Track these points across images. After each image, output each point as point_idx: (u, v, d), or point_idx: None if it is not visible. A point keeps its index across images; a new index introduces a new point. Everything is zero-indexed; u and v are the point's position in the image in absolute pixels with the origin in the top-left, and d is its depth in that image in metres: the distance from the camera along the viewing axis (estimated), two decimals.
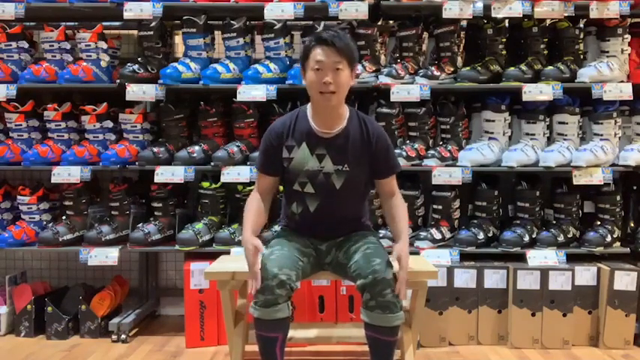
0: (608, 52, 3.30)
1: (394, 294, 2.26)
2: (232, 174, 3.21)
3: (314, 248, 2.52)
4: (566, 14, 3.20)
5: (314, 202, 2.46)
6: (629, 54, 3.32)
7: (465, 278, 3.15)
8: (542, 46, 3.34)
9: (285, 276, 2.25)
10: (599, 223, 3.31)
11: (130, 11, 3.21)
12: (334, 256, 2.52)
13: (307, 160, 2.41)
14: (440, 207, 3.32)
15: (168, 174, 3.22)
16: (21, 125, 3.41)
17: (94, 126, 3.37)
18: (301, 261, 2.40)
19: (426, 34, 3.42)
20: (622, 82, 3.24)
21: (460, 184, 3.22)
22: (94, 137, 3.39)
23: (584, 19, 3.32)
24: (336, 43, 2.28)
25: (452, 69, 3.31)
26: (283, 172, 2.48)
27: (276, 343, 2.30)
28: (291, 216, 2.54)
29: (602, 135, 3.26)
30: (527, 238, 3.24)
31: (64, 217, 3.37)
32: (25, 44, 3.43)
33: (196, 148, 3.30)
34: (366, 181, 2.51)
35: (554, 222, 3.33)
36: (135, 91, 3.23)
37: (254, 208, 2.44)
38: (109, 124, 3.40)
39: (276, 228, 3.01)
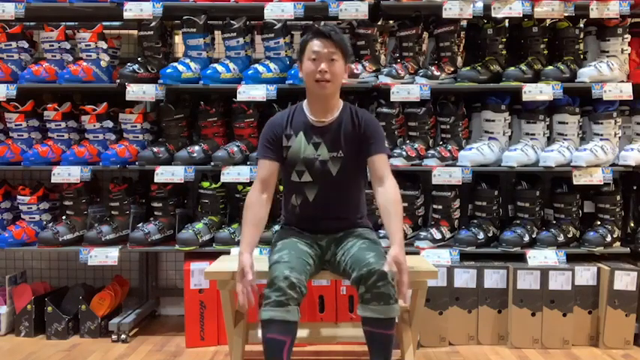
0: (608, 52, 3.30)
1: (389, 285, 2.26)
2: (232, 174, 3.22)
3: (317, 245, 2.54)
4: (566, 14, 3.20)
5: (312, 191, 2.52)
6: (629, 54, 3.33)
7: (465, 278, 3.15)
8: (542, 46, 3.34)
9: (296, 279, 2.27)
10: (599, 223, 3.31)
11: (130, 11, 3.21)
12: (333, 252, 2.53)
13: (304, 149, 2.50)
14: (440, 207, 3.32)
15: (168, 174, 3.22)
16: (21, 125, 3.41)
17: (94, 126, 3.37)
18: (309, 264, 2.43)
19: (426, 34, 3.42)
20: (622, 82, 3.24)
21: (460, 184, 3.22)
22: (94, 137, 3.39)
23: (584, 19, 3.32)
24: (332, 35, 2.41)
25: (452, 69, 3.31)
26: (282, 162, 2.53)
27: (284, 347, 2.26)
28: (292, 209, 2.59)
29: (602, 135, 3.27)
30: (527, 238, 3.24)
31: (64, 217, 3.37)
32: (25, 44, 3.43)
33: (196, 148, 3.30)
34: (361, 167, 2.57)
35: (554, 222, 3.33)
36: (135, 91, 3.23)
37: (253, 218, 2.46)
38: (109, 124, 3.40)
39: (277, 228, 3.00)
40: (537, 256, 3.15)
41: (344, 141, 2.50)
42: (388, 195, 2.44)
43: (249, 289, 2.31)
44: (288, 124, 2.53)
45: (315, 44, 2.41)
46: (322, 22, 3.28)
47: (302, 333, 2.87)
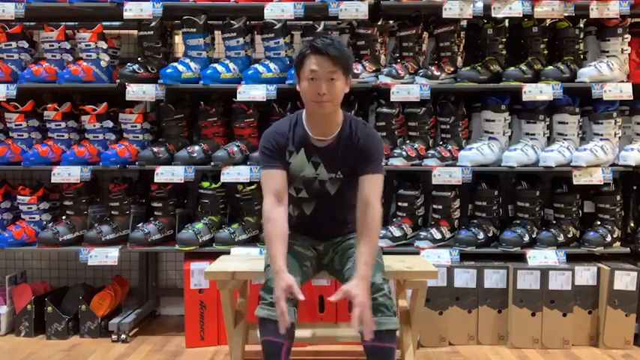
0: (608, 52, 3.30)
1: (386, 297, 2.23)
2: (232, 174, 3.21)
3: (314, 249, 2.52)
4: (566, 14, 3.20)
5: (309, 206, 2.47)
6: (629, 54, 3.33)
7: (465, 278, 3.15)
8: (542, 46, 3.34)
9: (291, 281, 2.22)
10: (599, 223, 3.31)
11: (130, 11, 3.21)
12: (331, 257, 2.51)
13: (304, 167, 2.40)
14: (440, 207, 3.32)
15: (168, 174, 3.22)
16: (21, 125, 3.41)
17: (94, 126, 3.37)
18: (305, 266, 2.41)
19: (426, 34, 3.42)
20: (622, 82, 3.24)
21: (460, 184, 3.22)
22: (94, 137, 3.39)
23: (584, 19, 3.32)
24: (330, 52, 2.23)
25: (452, 69, 3.31)
26: None
27: (282, 349, 2.22)
28: (289, 218, 2.49)
29: (602, 135, 3.26)
30: (527, 238, 3.23)
31: (64, 217, 3.37)
32: (25, 44, 3.43)
33: (196, 148, 3.30)
34: None
35: (554, 222, 3.33)
36: (135, 91, 3.23)
37: (278, 232, 2.28)
38: (109, 124, 3.40)
39: None
40: (537, 256, 3.15)
41: (343, 161, 2.38)
42: (370, 220, 2.28)
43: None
44: (291, 140, 2.39)
45: (313, 62, 2.24)
46: (322, 23, 3.28)
47: (302, 333, 2.87)
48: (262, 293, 2.26)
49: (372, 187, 2.33)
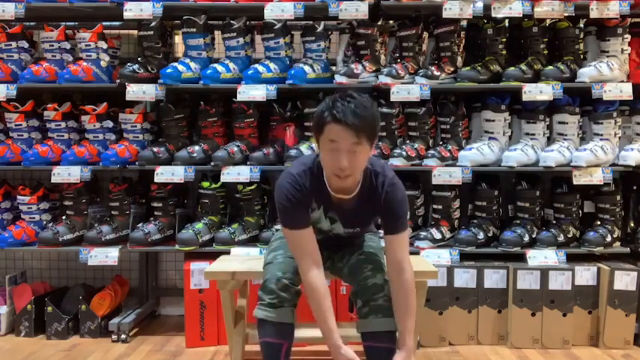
0: (608, 52, 3.30)
1: (387, 298, 2.23)
2: (232, 174, 3.21)
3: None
4: (566, 14, 3.20)
5: (321, 237, 2.34)
6: (629, 54, 3.32)
7: (465, 278, 3.15)
8: (542, 46, 3.34)
9: (289, 280, 2.23)
10: (599, 223, 3.30)
11: (130, 11, 3.21)
12: (333, 258, 2.50)
13: (321, 221, 2.31)
14: (440, 207, 3.32)
15: (168, 174, 3.22)
16: (21, 125, 3.41)
17: (94, 126, 3.37)
18: None
19: (426, 34, 3.42)
20: (622, 82, 3.24)
21: (460, 184, 3.22)
22: (94, 137, 3.39)
23: (584, 19, 3.32)
24: (353, 122, 2.01)
25: (452, 69, 3.31)
26: None
27: (281, 350, 2.22)
28: None
29: (602, 135, 3.26)
30: (527, 238, 3.23)
31: (64, 217, 3.37)
32: (25, 44, 3.43)
33: (196, 148, 3.30)
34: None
35: (554, 222, 3.33)
36: (135, 91, 3.23)
37: (327, 303, 2.20)
38: (109, 124, 3.40)
39: (278, 227, 3.00)
40: (537, 256, 3.15)
41: (361, 217, 2.30)
42: (406, 286, 2.19)
43: None
44: (313, 197, 2.21)
45: (334, 132, 2.03)
46: (322, 23, 3.28)
47: (302, 333, 2.87)
48: (261, 294, 2.25)
49: (402, 247, 2.23)
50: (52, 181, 3.26)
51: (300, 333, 2.84)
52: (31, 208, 3.37)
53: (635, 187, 3.40)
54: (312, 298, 2.19)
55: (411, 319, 2.19)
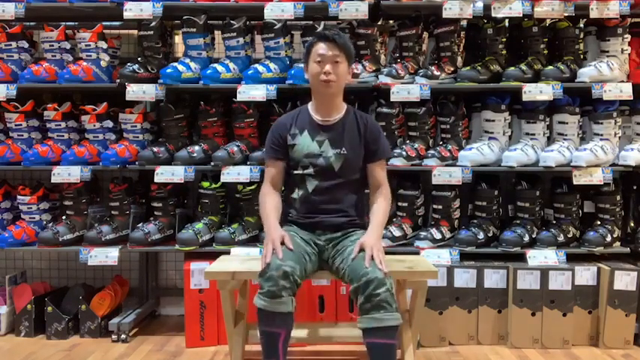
0: (608, 51, 3.30)
1: (388, 293, 2.26)
2: (232, 174, 3.22)
3: (315, 244, 2.54)
4: (566, 14, 3.20)
5: (313, 183, 2.58)
6: (629, 54, 3.33)
7: (465, 278, 3.15)
8: (542, 46, 3.34)
9: (289, 268, 2.28)
10: (599, 223, 3.31)
11: (130, 11, 3.21)
12: (330, 255, 2.54)
13: (308, 145, 2.59)
14: (440, 207, 3.32)
15: (168, 174, 3.22)
16: (21, 125, 3.41)
17: (94, 126, 3.37)
18: (304, 259, 2.44)
19: (426, 34, 3.42)
20: (622, 82, 3.24)
21: (460, 184, 3.22)
22: (94, 137, 3.39)
23: (584, 19, 3.33)
24: (336, 39, 2.54)
25: (452, 69, 3.31)
26: (288, 160, 2.62)
27: (279, 339, 2.30)
28: (292, 203, 2.63)
29: (602, 135, 3.26)
30: (527, 238, 3.24)
31: (64, 217, 3.37)
32: (25, 44, 3.43)
33: (196, 148, 3.30)
34: (363, 167, 2.64)
35: (554, 222, 3.33)
36: (135, 91, 3.23)
37: (272, 205, 2.58)
38: (109, 123, 3.40)
39: None
40: (537, 256, 3.16)
41: (347, 139, 2.60)
42: (379, 202, 2.61)
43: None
44: (293, 124, 2.63)
45: (321, 47, 2.53)
46: (322, 23, 3.28)
47: (302, 333, 2.88)
48: (260, 280, 2.30)
49: (381, 172, 2.65)
50: (52, 181, 3.26)
51: (300, 333, 2.85)
52: (31, 208, 3.37)
53: (635, 187, 3.41)
54: (264, 198, 2.61)
55: (380, 217, 2.57)
